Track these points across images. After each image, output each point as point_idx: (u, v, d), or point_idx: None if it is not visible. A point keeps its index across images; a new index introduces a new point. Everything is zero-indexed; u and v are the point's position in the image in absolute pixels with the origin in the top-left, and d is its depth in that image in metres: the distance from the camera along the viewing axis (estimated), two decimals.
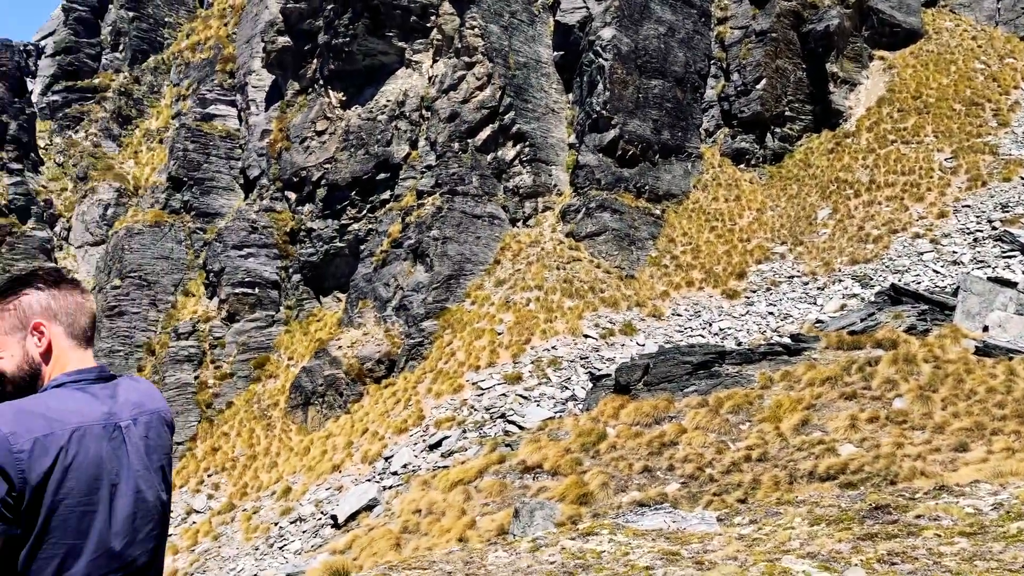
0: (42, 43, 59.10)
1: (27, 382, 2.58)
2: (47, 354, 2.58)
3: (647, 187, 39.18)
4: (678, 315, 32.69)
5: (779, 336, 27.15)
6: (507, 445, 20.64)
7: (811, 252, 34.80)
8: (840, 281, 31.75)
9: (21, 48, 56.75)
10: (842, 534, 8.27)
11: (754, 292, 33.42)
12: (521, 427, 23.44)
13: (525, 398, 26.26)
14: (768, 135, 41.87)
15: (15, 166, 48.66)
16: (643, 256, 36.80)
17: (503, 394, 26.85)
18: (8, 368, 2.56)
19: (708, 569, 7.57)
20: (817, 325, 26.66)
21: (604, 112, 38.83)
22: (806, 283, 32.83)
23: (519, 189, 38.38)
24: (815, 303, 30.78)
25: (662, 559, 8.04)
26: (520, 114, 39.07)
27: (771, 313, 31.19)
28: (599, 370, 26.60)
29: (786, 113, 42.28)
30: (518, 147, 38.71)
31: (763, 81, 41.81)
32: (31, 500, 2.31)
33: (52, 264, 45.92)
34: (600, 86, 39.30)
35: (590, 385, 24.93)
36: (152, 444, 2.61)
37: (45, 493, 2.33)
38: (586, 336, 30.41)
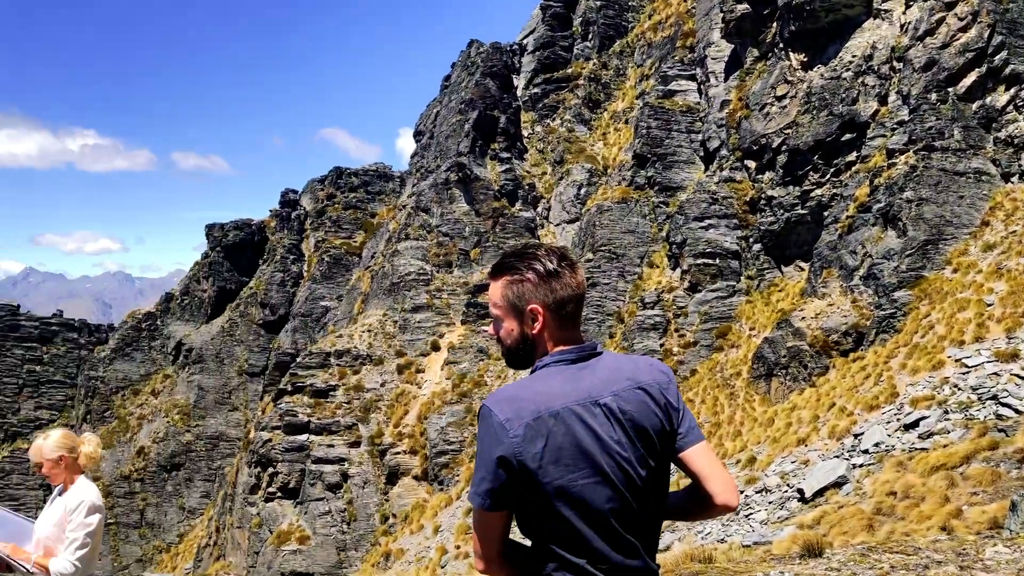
0: (524, 41, 65.89)
1: (520, 355, 2.91)
2: (539, 335, 2.85)
3: None
4: None
5: None
6: (1000, 430, 18.28)
7: None
8: None
9: (507, 48, 63.86)
10: None
11: None
12: (1018, 411, 20.58)
13: (1022, 378, 22.97)
14: None
15: (504, 155, 55.15)
16: None
17: (994, 373, 23.77)
18: (508, 340, 2.90)
19: None
20: None
21: None
22: None
23: (1014, 139, 33.45)
24: None
25: None
26: (1015, 53, 33.96)
27: None
28: None
29: None
30: (1012, 91, 33.72)
31: None
32: (528, 478, 2.61)
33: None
34: None
35: None
36: (636, 416, 2.73)
37: (539, 471, 2.61)
38: None
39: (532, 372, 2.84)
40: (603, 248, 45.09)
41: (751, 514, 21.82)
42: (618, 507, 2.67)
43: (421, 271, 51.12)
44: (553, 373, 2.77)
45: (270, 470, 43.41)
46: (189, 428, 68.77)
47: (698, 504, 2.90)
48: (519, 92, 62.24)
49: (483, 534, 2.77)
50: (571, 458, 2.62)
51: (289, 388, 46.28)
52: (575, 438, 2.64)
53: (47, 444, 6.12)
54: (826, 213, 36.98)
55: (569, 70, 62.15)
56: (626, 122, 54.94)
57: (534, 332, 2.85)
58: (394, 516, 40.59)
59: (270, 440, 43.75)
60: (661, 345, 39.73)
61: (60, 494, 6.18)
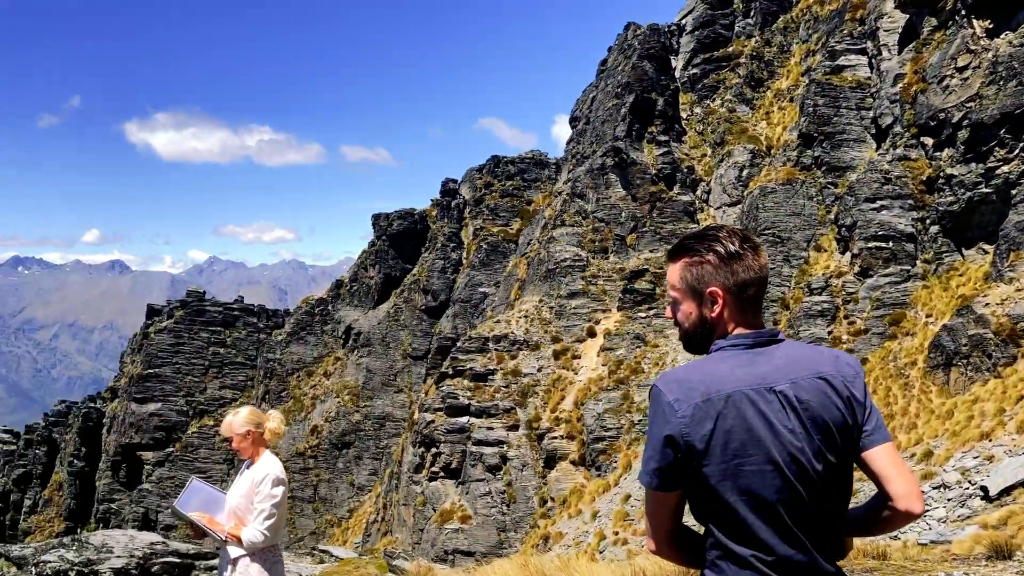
0: (682, 21, 64.51)
1: (698, 339, 2.86)
2: (718, 318, 2.80)
3: None
4: None
5: None
6: None
7: None
8: None
9: (665, 29, 62.73)
10: None
11: None
12: None
13: None
14: None
15: (662, 138, 54.29)
16: None
17: None
18: (685, 323, 2.87)
19: None
20: None
21: None
22: None
23: None
24: None
25: None
26: None
27: None
28: None
29: None
30: None
31: None
32: (695, 460, 2.58)
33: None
34: None
35: None
36: (814, 407, 2.63)
37: (706, 454, 2.57)
38: None
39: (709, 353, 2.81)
40: (767, 232, 43.64)
41: (928, 511, 20.64)
42: (788, 499, 2.58)
43: (577, 257, 51.22)
44: (727, 357, 2.72)
45: (433, 450, 44.86)
46: (358, 408, 72.11)
47: (879, 510, 2.76)
48: (677, 73, 61.04)
49: (651, 514, 2.77)
50: (740, 443, 2.57)
51: (450, 372, 47.60)
52: (746, 423, 2.58)
53: (236, 420, 6.57)
54: (1014, 191, 34.25)
55: (730, 49, 60.37)
56: (791, 100, 52.83)
57: (713, 315, 2.80)
58: (552, 500, 41.04)
59: (433, 421, 45.20)
60: (829, 333, 38.11)
61: (247, 467, 6.62)
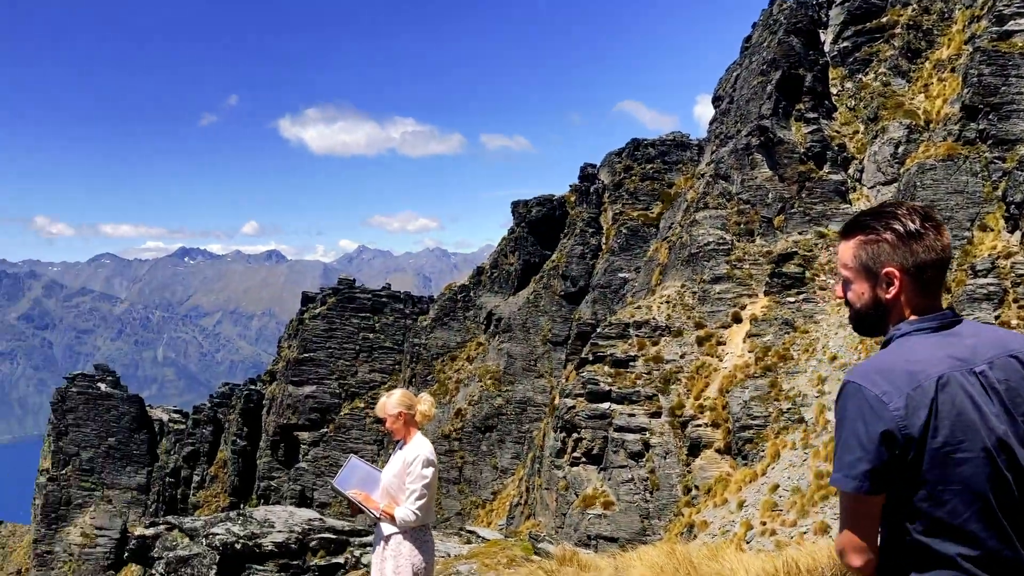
0: None
1: (870, 321, 2.70)
2: (894, 300, 2.64)
3: None
4: None
5: None
6: None
7: None
8: None
9: (813, 2, 60.11)
10: None
11: None
12: None
13: None
14: None
15: (811, 115, 52.18)
16: None
17: None
18: (857, 304, 2.71)
19: None
20: None
21: None
22: None
23: None
24: None
25: None
26: None
27: None
28: None
29: None
30: None
31: None
32: (910, 454, 2.42)
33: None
34: None
35: None
36: (1012, 387, 2.48)
37: (923, 445, 2.41)
38: None
39: (887, 342, 2.63)
40: None
41: None
42: (998, 489, 2.41)
43: (720, 241, 49.98)
44: (917, 341, 2.55)
45: (574, 435, 44.99)
46: (500, 392, 73.25)
47: None
48: (826, 47, 58.43)
49: (857, 524, 2.53)
50: (951, 430, 2.41)
51: (590, 358, 47.54)
52: (955, 408, 2.42)
53: (390, 401, 6.80)
54: None
55: (883, 19, 57.22)
56: (952, 71, 49.57)
57: (888, 297, 2.64)
58: (696, 488, 40.38)
59: (574, 407, 45.31)
60: (996, 317, 35.64)
61: (400, 448, 6.84)
